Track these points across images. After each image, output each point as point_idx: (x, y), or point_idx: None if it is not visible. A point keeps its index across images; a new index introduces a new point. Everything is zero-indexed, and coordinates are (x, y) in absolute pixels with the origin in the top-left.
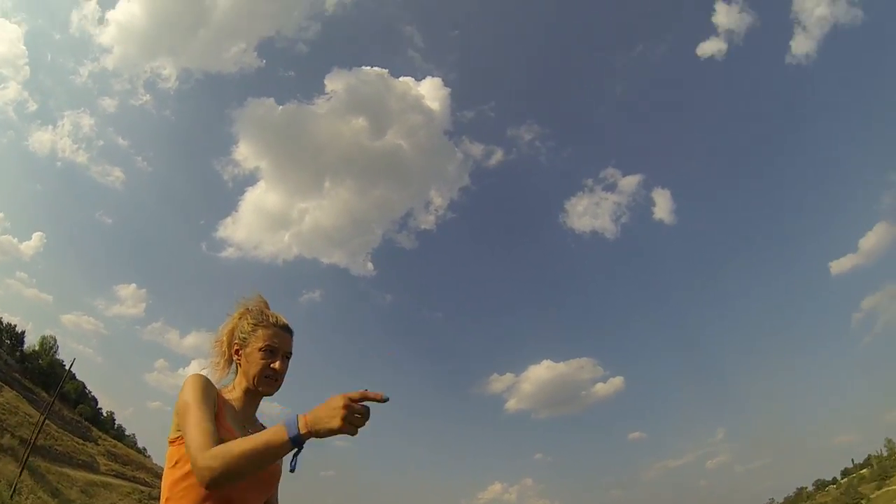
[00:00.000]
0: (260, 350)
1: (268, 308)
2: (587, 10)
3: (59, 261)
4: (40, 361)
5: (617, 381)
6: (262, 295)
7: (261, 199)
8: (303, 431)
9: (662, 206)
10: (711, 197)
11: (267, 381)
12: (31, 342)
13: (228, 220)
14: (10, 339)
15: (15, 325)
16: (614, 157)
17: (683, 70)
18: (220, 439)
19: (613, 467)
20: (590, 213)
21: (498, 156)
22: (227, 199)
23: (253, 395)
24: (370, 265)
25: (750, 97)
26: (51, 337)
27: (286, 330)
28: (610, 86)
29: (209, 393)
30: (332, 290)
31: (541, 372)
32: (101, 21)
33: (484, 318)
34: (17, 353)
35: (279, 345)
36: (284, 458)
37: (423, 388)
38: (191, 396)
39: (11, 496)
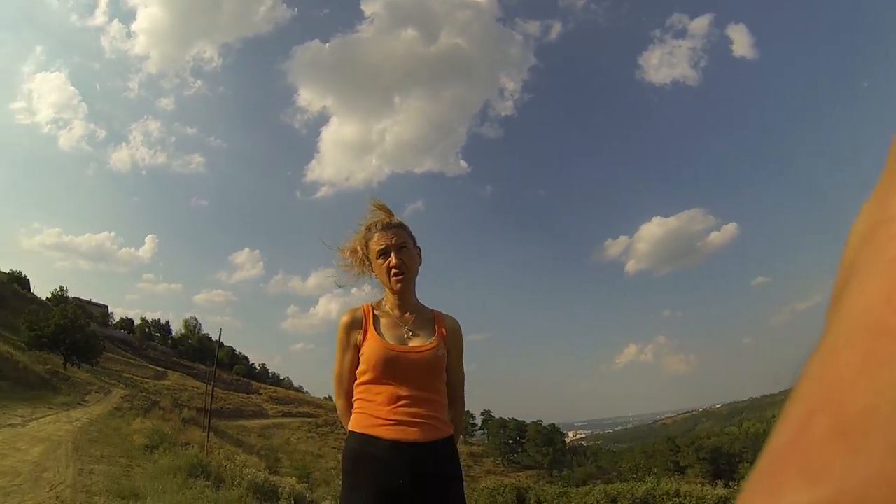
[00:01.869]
0: (377, 258)
1: (383, 213)
2: None
3: (174, 253)
4: (190, 342)
5: (730, 228)
6: (376, 201)
7: (337, 133)
8: None
9: (741, 42)
10: (792, 25)
11: (395, 280)
12: (177, 328)
13: (313, 163)
14: (160, 332)
15: (159, 319)
16: (677, 2)
17: None
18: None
19: (742, 315)
20: (665, 63)
21: (556, 28)
22: (305, 144)
23: (400, 294)
24: (463, 163)
25: None
26: (192, 318)
27: (391, 226)
28: None
29: (347, 329)
30: (433, 196)
31: (653, 229)
32: (129, 35)
33: (585, 186)
34: (169, 341)
35: (387, 243)
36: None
37: (542, 268)
38: (336, 341)
39: (206, 455)
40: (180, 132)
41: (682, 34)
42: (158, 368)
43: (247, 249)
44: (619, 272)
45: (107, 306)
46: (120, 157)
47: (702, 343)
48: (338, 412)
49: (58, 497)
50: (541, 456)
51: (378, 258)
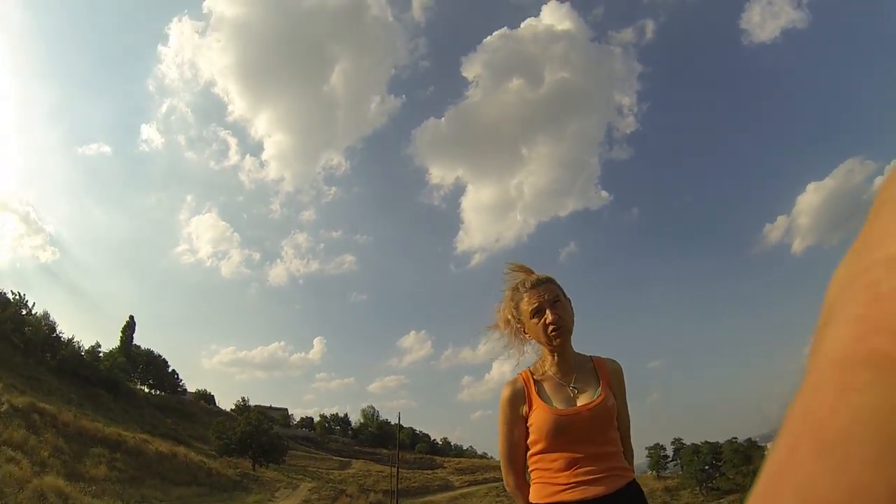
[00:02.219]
0: (531, 318)
1: (524, 273)
2: None
3: (343, 349)
4: (370, 429)
5: None
6: (513, 263)
7: (476, 200)
8: None
9: None
10: None
11: (554, 336)
12: (355, 419)
13: (460, 234)
14: (339, 425)
15: (337, 413)
16: None
17: None
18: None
19: None
20: (768, 15)
21: (650, 27)
22: (448, 218)
23: (560, 353)
24: (604, 193)
25: None
26: (369, 407)
27: (540, 283)
28: None
29: (510, 403)
30: (584, 234)
31: (810, 198)
32: (262, 165)
33: (729, 177)
34: (349, 432)
35: (539, 300)
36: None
37: (705, 276)
38: (499, 417)
39: None
40: (327, 238)
41: None
42: (342, 459)
43: (413, 332)
44: (785, 256)
45: (286, 409)
46: (277, 273)
47: None
48: (508, 489)
49: None
50: (741, 477)
51: (532, 318)
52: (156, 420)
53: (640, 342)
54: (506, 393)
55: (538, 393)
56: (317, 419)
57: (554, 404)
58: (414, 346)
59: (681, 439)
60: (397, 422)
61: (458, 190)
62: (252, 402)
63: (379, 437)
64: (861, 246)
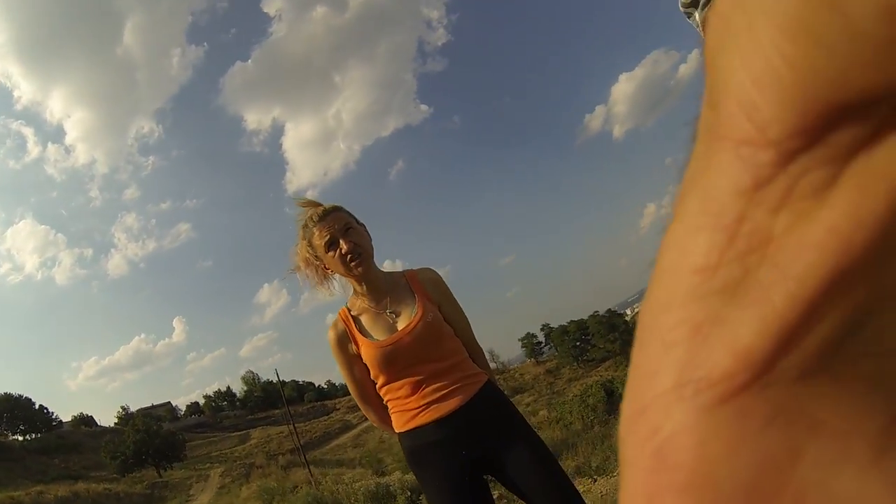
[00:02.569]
0: (327, 252)
1: (311, 207)
2: None
3: (205, 322)
4: (256, 394)
5: (696, 55)
6: (299, 199)
7: (297, 137)
8: None
9: None
10: None
11: (353, 266)
12: (239, 388)
13: (288, 175)
14: (226, 400)
15: (220, 389)
16: None
17: None
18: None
19: None
20: None
21: None
22: (273, 161)
23: (366, 280)
24: (423, 106)
25: None
26: (248, 373)
27: (326, 214)
28: None
29: (339, 347)
30: (409, 150)
31: (623, 87)
32: (68, 151)
33: (544, 75)
34: (237, 404)
35: (331, 231)
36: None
37: (536, 170)
38: (336, 362)
39: (317, 488)
40: (156, 212)
41: None
42: (239, 433)
43: (266, 285)
44: (608, 141)
45: (169, 402)
46: (115, 264)
47: None
48: (375, 425)
49: None
50: (610, 344)
51: (328, 252)
52: (43, 466)
53: (486, 244)
54: (330, 338)
55: (359, 329)
56: (202, 402)
57: (375, 337)
58: (271, 299)
59: (549, 324)
60: (277, 379)
61: (277, 131)
62: (133, 408)
63: (267, 400)
64: (634, 383)
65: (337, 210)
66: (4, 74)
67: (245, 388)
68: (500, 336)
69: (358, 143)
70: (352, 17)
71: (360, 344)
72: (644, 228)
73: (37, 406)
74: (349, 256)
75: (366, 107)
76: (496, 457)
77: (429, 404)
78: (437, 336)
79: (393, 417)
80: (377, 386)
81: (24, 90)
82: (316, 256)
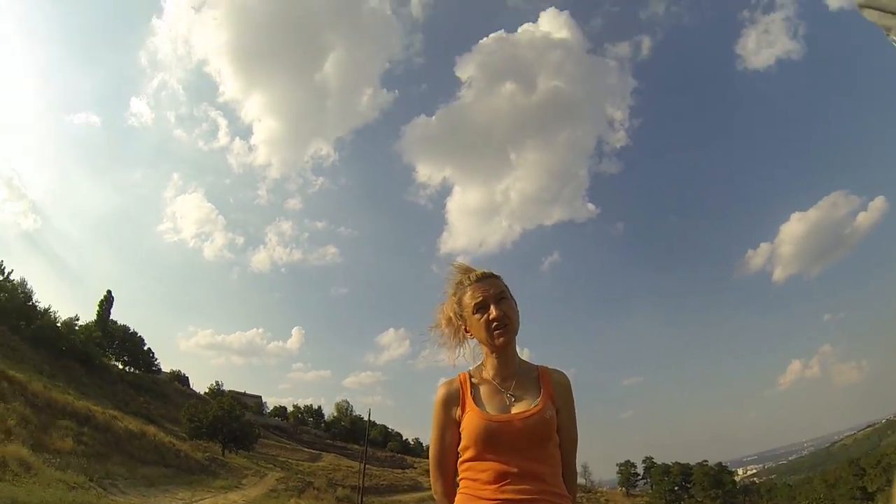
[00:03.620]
0: (474, 314)
1: (466, 271)
2: None
3: (321, 341)
4: (342, 423)
5: (878, 203)
6: (455, 262)
7: (462, 201)
8: None
9: None
10: None
11: (497, 334)
12: (329, 412)
13: (444, 235)
14: (313, 417)
15: (311, 405)
16: None
17: None
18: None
19: None
20: (763, 44)
21: (646, 43)
22: (433, 218)
23: (501, 354)
24: (590, 205)
25: None
26: (343, 401)
27: (485, 278)
28: None
29: (443, 405)
30: (568, 245)
31: (794, 227)
32: (251, 149)
33: (715, 200)
34: (322, 424)
35: (484, 295)
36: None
37: (686, 297)
38: (432, 418)
39: None
40: (311, 228)
41: (771, 7)
42: (313, 451)
43: (391, 330)
44: (766, 283)
45: (260, 396)
46: (259, 259)
47: (873, 343)
48: (436, 496)
49: None
50: (709, 500)
51: (475, 313)
52: (128, 397)
53: (617, 358)
54: (440, 393)
55: (473, 396)
56: (290, 409)
57: (487, 409)
58: (392, 344)
59: (652, 458)
60: (368, 417)
61: (445, 190)
62: (226, 387)
63: (351, 432)
64: None
65: (495, 277)
66: (217, 70)
67: (335, 413)
68: (599, 454)
69: (520, 225)
70: (538, 101)
71: (468, 410)
72: (783, 385)
73: (146, 347)
74: (496, 324)
75: (535, 191)
76: None
77: (503, 502)
78: (547, 436)
79: (459, 497)
80: (460, 459)
81: (229, 87)
82: (461, 316)
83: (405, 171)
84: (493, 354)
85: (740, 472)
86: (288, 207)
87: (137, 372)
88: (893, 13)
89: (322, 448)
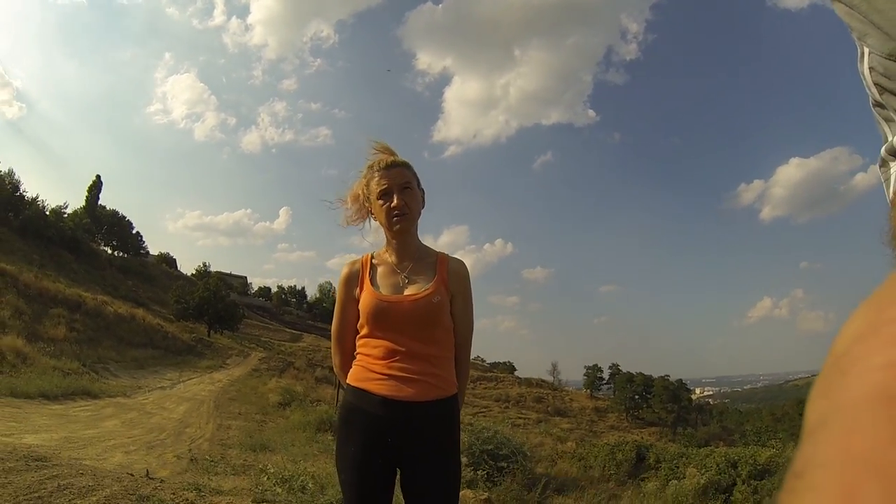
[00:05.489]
0: (378, 199)
1: (385, 153)
2: None
3: (308, 222)
4: (324, 305)
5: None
6: (377, 142)
7: (460, 92)
8: None
9: None
10: None
11: (396, 221)
12: (312, 293)
13: (439, 123)
14: (295, 297)
15: (294, 285)
16: None
17: None
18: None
19: (890, 270)
20: None
21: None
22: (429, 106)
23: (400, 240)
24: (591, 112)
25: None
26: (326, 283)
27: (394, 165)
28: None
29: (345, 284)
30: (562, 147)
31: (791, 172)
32: (247, 28)
33: (718, 129)
34: (304, 305)
35: (389, 182)
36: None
37: (672, 217)
38: (336, 296)
39: (336, 410)
40: (305, 108)
41: None
42: (294, 331)
43: None
44: (753, 219)
45: (245, 277)
46: (251, 140)
47: (842, 298)
48: (335, 369)
49: (195, 449)
50: (665, 413)
51: (378, 199)
52: (117, 282)
53: (598, 265)
54: (343, 273)
55: (371, 277)
56: (274, 290)
57: (381, 290)
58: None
59: (618, 365)
60: None
61: (444, 79)
62: (213, 268)
63: (332, 314)
64: (881, 302)
65: (405, 166)
66: None
67: (318, 295)
68: (569, 355)
69: (516, 121)
70: (552, 0)
71: (364, 289)
72: (751, 319)
73: (134, 231)
74: (396, 212)
75: (536, 90)
76: (411, 463)
77: (390, 377)
78: (435, 320)
79: (353, 368)
80: (358, 336)
81: None
82: (367, 198)
83: (405, 58)
84: (393, 239)
85: (697, 391)
86: (282, 88)
87: (126, 256)
88: (858, 12)
89: (304, 329)
